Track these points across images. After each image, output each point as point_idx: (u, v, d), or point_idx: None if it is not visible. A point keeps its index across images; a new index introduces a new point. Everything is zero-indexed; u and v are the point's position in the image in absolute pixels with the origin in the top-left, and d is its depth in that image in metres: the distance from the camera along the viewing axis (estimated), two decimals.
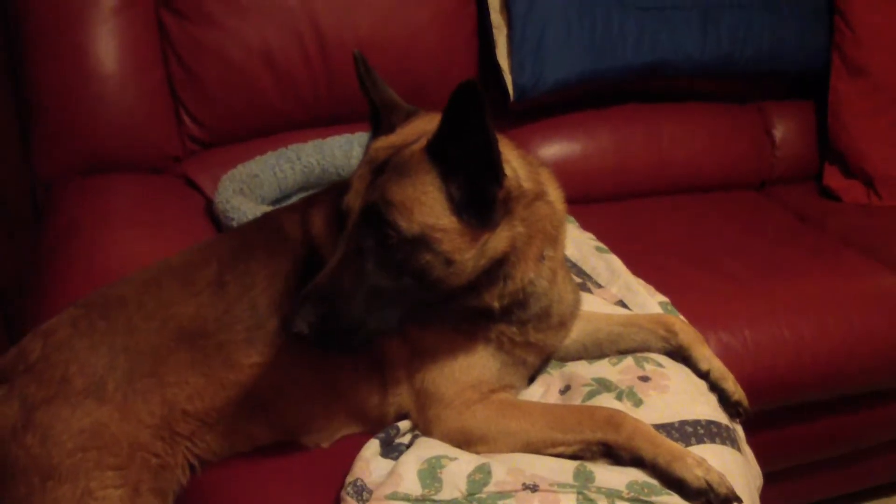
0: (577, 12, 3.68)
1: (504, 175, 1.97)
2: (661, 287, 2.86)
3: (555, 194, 2.25)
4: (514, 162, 2.09)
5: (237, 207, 2.94)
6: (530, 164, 2.19)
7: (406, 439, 2.20)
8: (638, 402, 2.27)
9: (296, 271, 2.20)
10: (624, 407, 2.24)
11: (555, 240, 2.23)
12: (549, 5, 3.63)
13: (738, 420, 2.43)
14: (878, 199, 4.13)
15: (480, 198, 1.96)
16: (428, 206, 1.93)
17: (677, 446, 2.07)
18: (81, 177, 3.23)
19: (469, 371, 2.19)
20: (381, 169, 1.99)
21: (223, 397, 2.17)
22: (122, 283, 2.28)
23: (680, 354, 2.46)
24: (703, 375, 2.42)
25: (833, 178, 4.23)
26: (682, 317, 2.66)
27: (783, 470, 3.30)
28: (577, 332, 2.47)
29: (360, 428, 2.28)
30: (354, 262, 1.95)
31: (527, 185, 2.09)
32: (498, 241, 2.01)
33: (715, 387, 2.41)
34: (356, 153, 3.29)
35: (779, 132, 4.32)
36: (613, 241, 3.14)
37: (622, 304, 2.77)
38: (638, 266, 2.97)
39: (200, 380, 2.15)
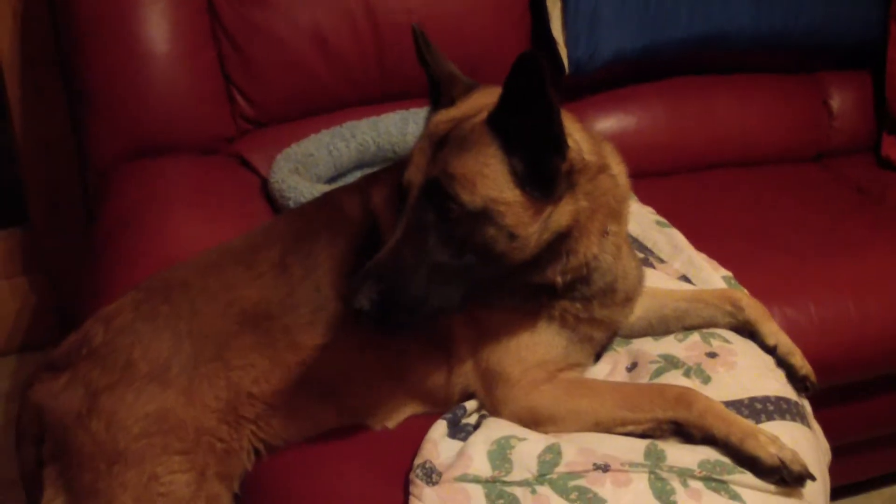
0: None
1: (567, 147, 1.94)
2: (721, 261, 2.82)
3: (618, 168, 2.22)
4: (576, 135, 2.05)
5: (293, 187, 2.92)
6: (593, 137, 2.15)
7: (473, 419, 2.18)
8: (706, 379, 2.24)
9: (359, 252, 2.17)
10: (692, 384, 2.21)
11: (619, 214, 2.19)
12: None
13: (804, 395, 2.38)
14: None
15: (543, 170, 1.92)
16: (491, 179, 1.90)
17: (749, 424, 2.04)
18: (135, 161, 3.23)
19: (535, 350, 2.16)
20: (442, 143, 1.96)
21: (288, 380, 2.15)
22: (184, 266, 2.27)
23: (746, 330, 2.43)
24: (770, 350, 2.39)
25: (891, 148, 4.13)
26: (746, 291, 2.62)
27: (850, 444, 3.24)
28: (642, 309, 2.44)
29: (426, 408, 2.26)
30: (416, 237, 1.92)
31: (590, 158, 2.05)
32: (561, 214, 1.98)
33: (782, 362, 2.38)
34: (411, 130, 3.27)
35: (835, 102, 4.22)
36: (671, 215, 3.11)
37: (685, 279, 2.72)
38: (697, 240, 2.92)
39: (266, 363, 2.14)
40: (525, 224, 1.92)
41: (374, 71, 3.46)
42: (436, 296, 1.93)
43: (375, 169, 3.17)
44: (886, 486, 3.76)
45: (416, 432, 2.15)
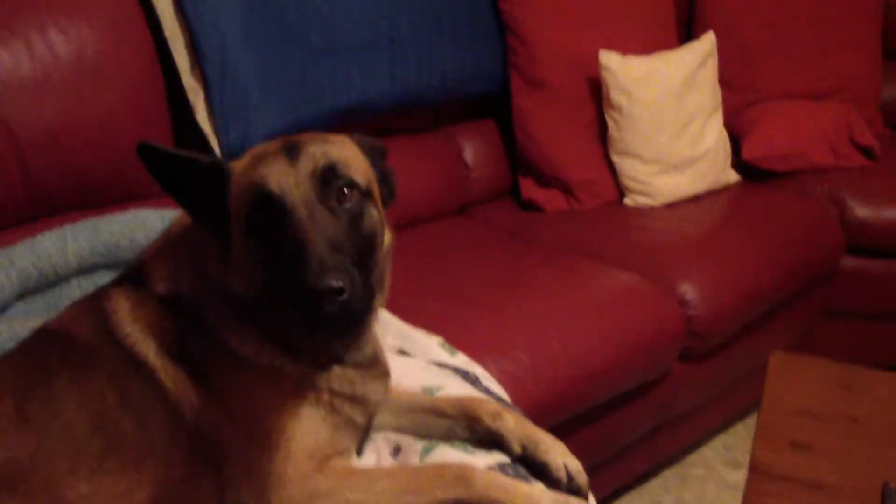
0: (271, 64, 3.59)
1: None
2: (425, 327, 2.79)
3: None
4: None
5: None
6: None
7: None
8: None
9: (111, 381, 1.98)
10: (464, 452, 2.18)
11: None
12: (242, 62, 3.49)
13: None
14: (578, 204, 4.30)
15: None
16: (359, 160, 1.98)
17: (531, 489, 2.01)
18: None
19: (303, 440, 2.01)
20: (294, 148, 1.90)
21: None
22: None
23: (492, 441, 2.24)
24: (520, 459, 2.21)
25: (531, 190, 4.35)
26: (463, 356, 2.62)
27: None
28: (386, 413, 2.34)
29: None
30: (327, 229, 1.80)
31: None
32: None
33: (534, 461, 2.19)
34: (71, 248, 3.02)
35: (468, 154, 4.42)
36: None
37: (403, 352, 2.67)
38: (393, 310, 2.85)
39: None
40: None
41: (18, 188, 3.12)
42: (363, 289, 1.80)
43: (36, 297, 2.92)
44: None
45: None
